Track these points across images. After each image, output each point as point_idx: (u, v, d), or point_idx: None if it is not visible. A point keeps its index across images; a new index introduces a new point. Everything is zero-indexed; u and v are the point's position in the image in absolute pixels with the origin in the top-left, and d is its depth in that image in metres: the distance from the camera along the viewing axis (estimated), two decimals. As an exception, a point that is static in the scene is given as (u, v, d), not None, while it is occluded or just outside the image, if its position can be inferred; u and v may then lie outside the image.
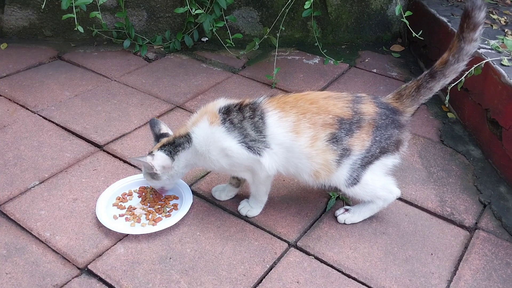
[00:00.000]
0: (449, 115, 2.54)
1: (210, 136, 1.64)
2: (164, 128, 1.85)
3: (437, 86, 1.67)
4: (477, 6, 1.53)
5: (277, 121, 1.61)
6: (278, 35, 2.75)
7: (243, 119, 1.62)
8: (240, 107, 1.66)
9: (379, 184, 1.72)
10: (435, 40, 2.82)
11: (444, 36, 2.69)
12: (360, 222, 1.82)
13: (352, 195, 1.74)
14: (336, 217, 1.83)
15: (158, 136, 1.82)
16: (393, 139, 1.67)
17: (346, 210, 1.84)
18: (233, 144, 1.61)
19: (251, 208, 1.83)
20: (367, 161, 1.65)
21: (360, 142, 1.62)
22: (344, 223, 1.82)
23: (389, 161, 1.71)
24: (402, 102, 1.70)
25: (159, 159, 1.70)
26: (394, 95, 1.72)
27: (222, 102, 1.70)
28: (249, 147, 1.61)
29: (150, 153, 1.73)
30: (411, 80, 1.71)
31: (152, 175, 1.74)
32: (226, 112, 1.65)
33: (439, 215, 1.88)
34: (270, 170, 1.66)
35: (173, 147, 1.72)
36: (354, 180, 1.67)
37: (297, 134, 1.60)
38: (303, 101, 1.64)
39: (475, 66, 2.12)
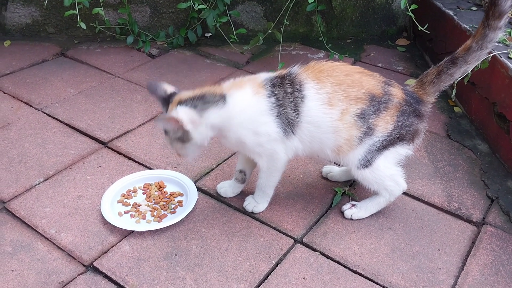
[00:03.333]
0: (456, 109, 2.52)
1: (251, 106, 1.56)
2: (170, 88, 1.65)
3: (458, 73, 1.67)
4: None
5: (315, 93, 1.58)
6: (282, 29, 2.73)
7: (285, 95, 1.58)
8: (281, 81, 1.60)
9: (389, 173, 1.70)
10: (441, 34, 2.79)
11: (450, 30, 2.66)
12: (366, 217, 1.81)
13: (361, 179, 1.71)
14: (342, 213, 1.82)
15: (167, 99, 1.61)
16: (412, 128, 1.67)
17: (353, 205, 1.82)
18: (271, 121, 1.57)
19: (257, 204, 1.82)
20: (384, 145, 1.64)
21: (384, 124, 1.62)
22: (351, 219, 1.80)
23: (403, 150, 1.70)
24: (425, 90, 1.70)
25: (184, 113, 1.52)
26: (417, 83, 1.72)
27: (264, 74, 1.64)
28: (284, 130, 1.59)
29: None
30: (432, 67, 1.71)
31: (182, 138, 1.57)
32: (272, 85, 1.59)
33: (446, 210, 1.87)
34: (291, 153, 1.65)
35: (202, 101, 1.55)
36: (368, 162, 1.65)
37: (330, 107, 1.58)
38: (339, 71, 1.62)
39: (482, 59, 2.09)
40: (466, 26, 2.50)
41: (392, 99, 1.63)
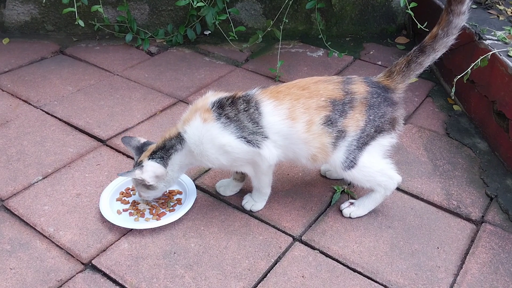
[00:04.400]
0: (455, 107, 2.51)
1: (206, 134, 1.59)
2: (142, 139, 1.79)
3: (427, 61, 1.68)
4: None
5: (273, 109, 1.59)
6: (281, 27, 2.73)
7: (238, 112, 1.60)
8: (233, 100, 1.63)
9: (378, 168, 1.70)
10: (440, 32, 2.78)
11: (450, 28, 2.65)
12: (365, 215, 1.81)
13: (351, 180, 1.71)
14: (341, 211, 1.82)
15: (141, 148, 1.75)
16: (387, 117, 1.66)
17: (351, 203, 1.82)
18: (231, 139, 1.59)
19: (255, 202, 1.82)
20: (363, 142, 1.64)
21: (354, 123, 1.61)
22: (350, 217, 1.80)
23: (385, 140, 1.69)
24: (393, 79, 1.69)
25: (150, 169, 1.64)
26: (384, 74, 1.72)
27: (212, 96, 1.66)
28: (248, 141, 1.59)
29: (139, 164, 1.67)
30: (401, 57, 1.70)
31: (147, 186, 1.67)
32: (220, 106, 1.61)
33: (445, 209, 1.87)
34: (271, 160, 1.64)
35: (164, 151, 1.66)
36: (351, 162, 1.65)
37: (293, 120, 1.59)
38: (295, 88, 1.63)
39: (482, 57, 2.09)
40: (465, 24, 2.49)
41: (356, 97, 1.62)
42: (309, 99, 1.60)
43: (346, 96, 1.62)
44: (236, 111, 1.60)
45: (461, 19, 1.60)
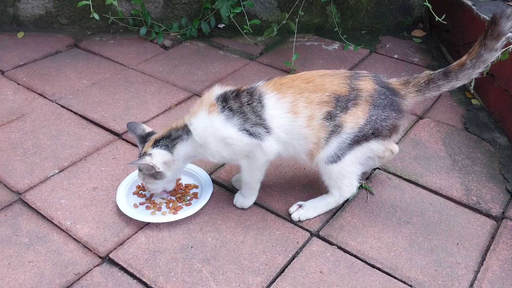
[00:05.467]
0: (473, 101, 2.47)
1: (210, 126, 1.59)
2: (147, 128, 1.78)
3: (446, 87, 1.64)
4: (506, 15, 1.48)
5: (275, 102, 1.57)
6: (296, 20, 2.70)
7: (241, 105, 1.59)
8: (237, 93, 1.62)
9: (352, 170, 1.66)
10: (458, 25, 2.74)
11: (469, 20, 2.61)
12: (383, 210, 1.79)
13: (325, 173, 1.67)
14: (290, 215, 1.76)
15: (145, 137, 1.75)
16: (389, 123, 1.61)
17: (300, 206, 1.77)
18: (233, 131, 1.58)
19: (245, 199, 1.79)
20: (356, 141, 1.60)
21: (354, 120, 1.58)
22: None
23: (376, 146, 1.65)
24: (407, 87, 1.65)
25: (158, 156, 1.63)
26: (400, 81, 1.68)
27: (218, 90, 1.65)
28: (250, 134, 1.58)
29: (144, 154, 1.67)
30: (424, 73, 1.66)
31: (155, 175, 1.67)
32: (224, 100, 1.61)
33: (465, 204, 1.84)
34: (271, 154, 1.63)
35: (170, 140, 1.66)
36: (337, 158, 1.61)
37: (295, 115, 1.57)
38: (300, 81, 1.61)
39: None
40: (485, 16, 2.45)
41: (361, 94, 1.58)
42: (313, 93, 1.57)
43: (351, 93, 1.58)
44: (239, 104, 1.59)
45: (491, 56, 1.56)
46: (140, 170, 1.71)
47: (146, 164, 1.62)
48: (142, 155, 1.69)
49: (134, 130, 1.77)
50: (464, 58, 1.59)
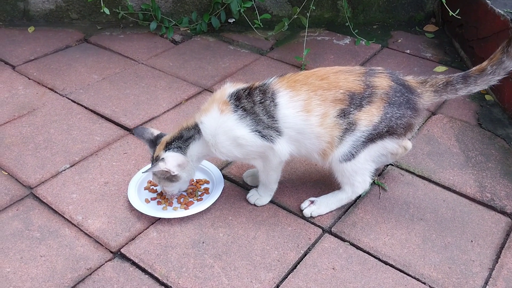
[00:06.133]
0: (487, 97, 2.44)
1: (222, 125, 1.56)
2: (155, 131, 1.75)
3: (463, 91, 1.61)
4: None
5: (288, 101, 1.55)
6: (308, 15, 2.67)
7: (254, 105, 1.56)
8: (250, 91, 1.59)
9: (366, 166, 1.65)
10: (472, 19, 2.70)
11: (483, 15, 2.57)
12: (396, 207, 1.77)
13: (337, 170, 1.65)
14: (302, 211, 1.75)
15: (154, 140, 1.72)
16: (404, 121, 1.59)
17: (312, 202, 1.75)
18: (246, 132, 1.55)
19: (260, 197, 1.78)
20: (370, 139, 1.58)
21: (368, 117, 1.55)
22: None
23: (391, 144, 1.63)
24: (424, 87, 1.62)
25: (171, 159, 1.61)
26: (418, 79, 1.65)
27: (230, 88, 1.63)
28: (262, 135, 1.56)
29: (156, 159, 1.65)
30: (444, 75, 1.64)
31: (170, 178, 1.65)
32: (237, 98, 1.58)
33: (479, 201, 1.81)
34: (283, 156, 1.61)
35: (182, 141, 1.64)
36: (351, 156, 1.59)
37: (308, 113, 1.54)
38: (314, 78, 1.58)
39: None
40: (500, 11, 2.41)
41: (376, 91, 1.55)
42: (327, 91, 1.55)
43: (366, 90, 1.55)
44: (252, 103, 1.56)
45: None
46: (154, 174, 1.69)
47: (160, 170, 1.61)
48: (155, 159, 1.67)
49: (142, 135, 1.74)
50: (485, 63, 1.56)
